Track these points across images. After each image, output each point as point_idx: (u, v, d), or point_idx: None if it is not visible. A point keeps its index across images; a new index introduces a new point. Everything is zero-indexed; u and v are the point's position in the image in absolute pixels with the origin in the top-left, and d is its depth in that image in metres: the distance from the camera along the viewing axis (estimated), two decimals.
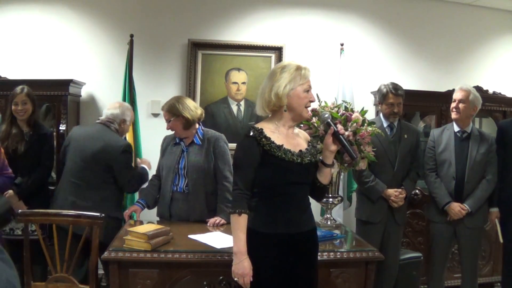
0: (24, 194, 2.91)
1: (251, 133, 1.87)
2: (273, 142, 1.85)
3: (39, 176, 2.99)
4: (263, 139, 1.85)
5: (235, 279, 1.83)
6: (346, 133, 2.57)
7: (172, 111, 2.64)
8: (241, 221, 1.82)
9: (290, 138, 1.93)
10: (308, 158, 1.91)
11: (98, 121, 2.93)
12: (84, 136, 2.85)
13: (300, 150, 1.91)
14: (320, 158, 1.97)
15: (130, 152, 2.86)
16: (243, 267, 1.79)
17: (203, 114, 2.77)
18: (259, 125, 1.92)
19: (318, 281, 2.00)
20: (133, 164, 2.99)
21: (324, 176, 1.97)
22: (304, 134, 2.08)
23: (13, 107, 2.93)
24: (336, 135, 1.90)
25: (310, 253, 1.96)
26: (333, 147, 1.92)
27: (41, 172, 3.00)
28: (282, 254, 1.86)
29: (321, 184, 1.98)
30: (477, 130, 3.09)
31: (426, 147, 3.16)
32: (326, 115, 1.92)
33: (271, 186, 1.87)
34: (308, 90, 1.90)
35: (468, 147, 2.99)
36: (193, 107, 2.69)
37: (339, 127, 1.89)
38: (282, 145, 1.87)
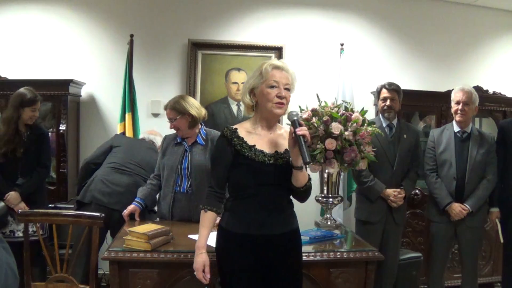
0: (25, 195, 2.92)
1: (224, 133, 1.90)
2: (244, 142, 1.86)
3: (40, 176, 3.02)
4: (235, 139, 1.86)
5: (194, 272, 1.89)
6: (346, 133, 2.57)
7: (178, 109, 2.61)
8: (206, 218, 1.90)
9: (268, 139, 1.91)
10: (284, 160, 1.87)
11: (145, 139, 3.26)
12: (139, 145, 3.18)
13: (276, 151, 1.88)
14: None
15: None
16: (200, 261, 1.87)
17: (207, 115, 2.76)
18: (236, 125, 1.94)
19: (302, 284, 1.97)
20: None
21: (295, 179, 1.86)
22: None
23: (30, 113, 2.92)
24: (295, 136, 1.77)
25: (287, 255, 1.91)
26: (295, 149, 1.79)
27: (41, 171, 3.02)
28: (256, 255, 1.84)
29: (294, 187, 1.88)
30: (477, 130, 3.09)
31: (426, 147, 3.16)
32: (294, 113, 1.84)
33: (242, 186, 1.87)
34: (273, 86, 1.84)
35: (469, 147, 2.99)
36: (198, 106, 2.69)
37: (302, 128, 1.79)
38: (254, 145, 1.86)
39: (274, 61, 1.94)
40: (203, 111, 2.71)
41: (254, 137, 1.89)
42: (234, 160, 1.86)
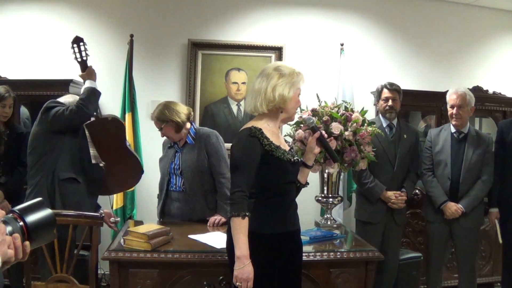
0: (9, 193, 2.97)
1: (253, 133, 1.84)
2: (272, 143, 1.87)
3: (20, 175, 3.07)
4: (265, 140, 1.85)
5: (237, 283, 1.77)
6: (346, 133, 2.57)
7: (162, 119, 2.64)
8: (243, 224, 1.77)
9: (280, 138, 1.98)
10: (296, 157, 1.96)
11: None
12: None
13: (290, 149, 1.99)
14: (301, 159, 2.03)
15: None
16: (247, 271, 1.75)
17: (192, 112, 2.78)
18: (256, 125, 1.88)
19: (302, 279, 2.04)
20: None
21: (303, 177, 2.04)
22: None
23: (0, 109, 2.95)
24: (321, 139, 2.00)
25: (298, 251, 2.02)
26: (317, 150, 2.01)
27: (22, 171, 3.07)
28: (279, 252, 1.88)
29: (300, 184, 2.03)
30: (474, 131, 3.08)
31: (424, 147, 3.16)
32: (311, 120, 2.05)
33: (271, 186, 1.88)
34: (299, 94, 1.96)
35: (465, 148, 2.98)
36: (180, 110, 2.67)
37: (322, 131, 2.06)
38: (279, 145, 1.90)
39: (295, 67, 1.96)
40: (186, 111, 2.69)
41: (273, 136, 1.91)
42: (262, 160, 1.84)
